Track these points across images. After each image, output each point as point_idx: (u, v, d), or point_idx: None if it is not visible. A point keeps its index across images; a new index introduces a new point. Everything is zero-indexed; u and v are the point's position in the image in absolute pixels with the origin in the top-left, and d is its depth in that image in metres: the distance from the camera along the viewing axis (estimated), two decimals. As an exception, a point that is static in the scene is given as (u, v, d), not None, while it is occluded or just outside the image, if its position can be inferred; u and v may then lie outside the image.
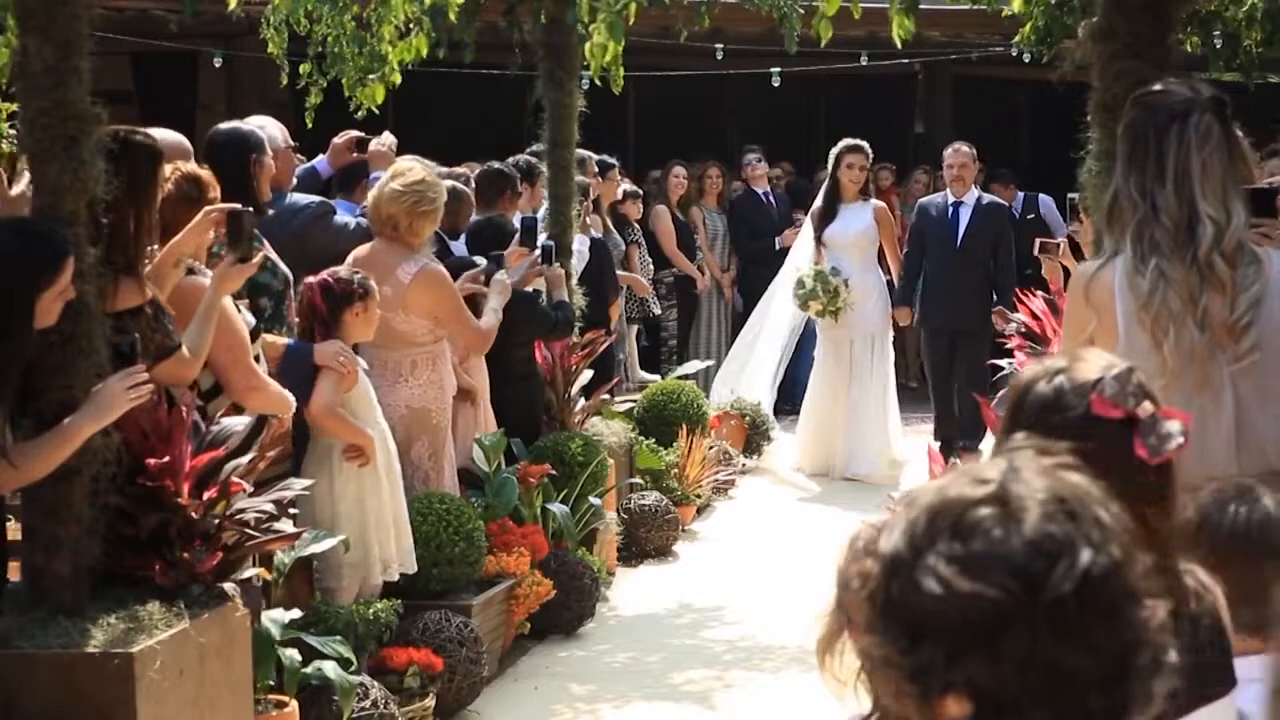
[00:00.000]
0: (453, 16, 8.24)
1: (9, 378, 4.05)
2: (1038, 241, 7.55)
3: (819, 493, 10.61)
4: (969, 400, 10.37)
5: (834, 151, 10.99)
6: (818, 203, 11.12)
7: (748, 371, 11.54)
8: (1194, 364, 3.61)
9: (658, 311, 11.96)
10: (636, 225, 11.79)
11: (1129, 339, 3.63)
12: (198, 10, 7.38)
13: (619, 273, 10.65)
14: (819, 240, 10.93)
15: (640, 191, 12.18)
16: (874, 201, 11.14)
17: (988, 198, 11.32)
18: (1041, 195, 13.35)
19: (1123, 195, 3.69)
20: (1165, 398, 3.05)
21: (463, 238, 7.90)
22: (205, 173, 5.22)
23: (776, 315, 11.51)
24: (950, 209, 10.97)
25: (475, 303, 7.04)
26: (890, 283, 11.22)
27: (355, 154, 7.58)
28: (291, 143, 6.96)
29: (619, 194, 11.41)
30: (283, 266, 5.93)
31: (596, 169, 10.64)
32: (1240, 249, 3.64)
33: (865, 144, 10.98)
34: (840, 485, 10.68)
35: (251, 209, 5.10)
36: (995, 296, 10.70)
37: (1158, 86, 3.78)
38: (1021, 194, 13.92)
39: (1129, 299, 3.64)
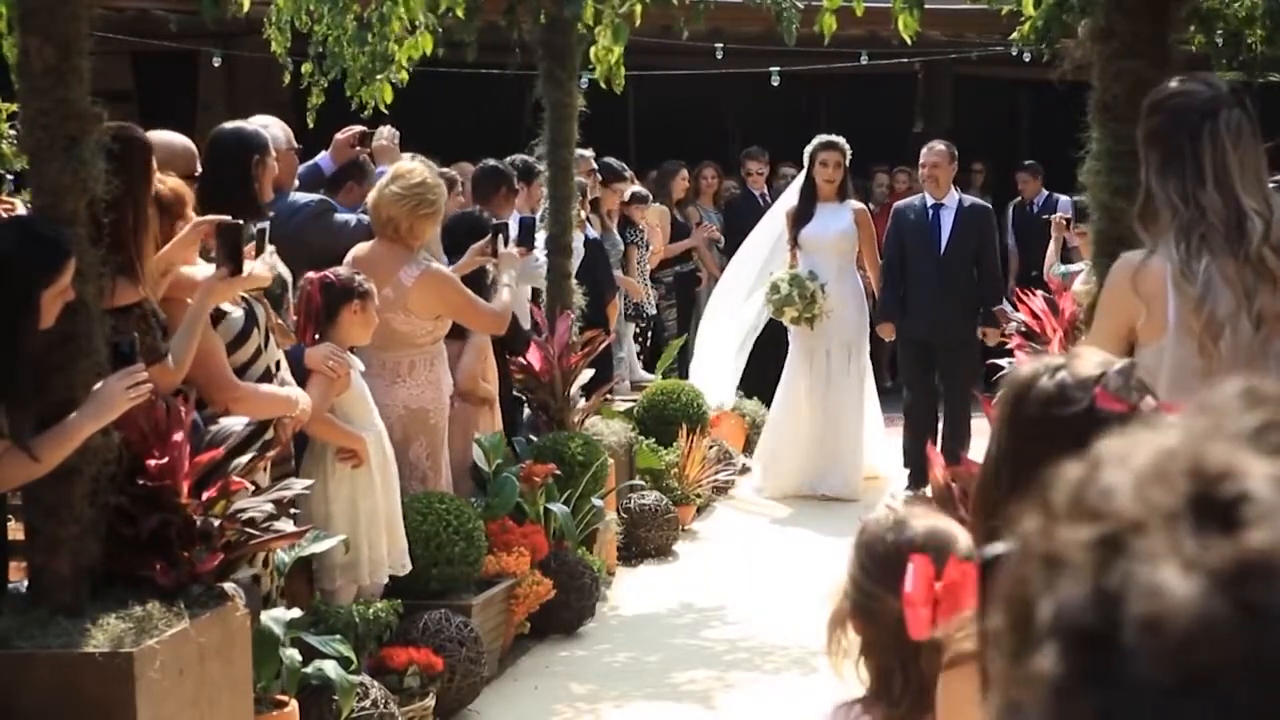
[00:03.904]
0: (460, 13, 8.24)
1: (19, 376, 4.06)
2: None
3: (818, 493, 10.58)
4: (958, 413, 10.04)
5: (808, 149, 10.42)
6: (792, 202, 10.54)
7: (703, 356, 11.23)
8: (1244, 362, 3.59)
9: (652, 312, 11.90)
10: (642, 226, 11.72)
11: (1178, 340, 3.61)
12: (216, 14, 7.38)
13: (615, 273, 10.66)
14: (795, 242, 10.32)
15: (648, 194, 12.09)
16: (852, 202, 10.46)
17: (969, 199, 10.59)
18: (1063, 198, 12.57)
19: (1159, 200, 3.65)
20: None
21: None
22: (175, 184, 5.04)
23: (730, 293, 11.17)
24: (930, 212, 10.19)
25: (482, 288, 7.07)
26: (869, 288, 10.58)
27: (359, 148, 7.58)
28: (295, 144, 6.95)
29: (627, 195, 11.38)
30: (281, 268, 5.91)
31: (595, 167, 10.66)
32: None
33: (841, 140, 10.36)
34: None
35: (243, 222, 5.00)
36: (981, 307, 10.12)
37: (1177, 87, 3.75)
38: (1046, 192, 13.73)
39: (1177, 300, 3.62)
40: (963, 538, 2.41)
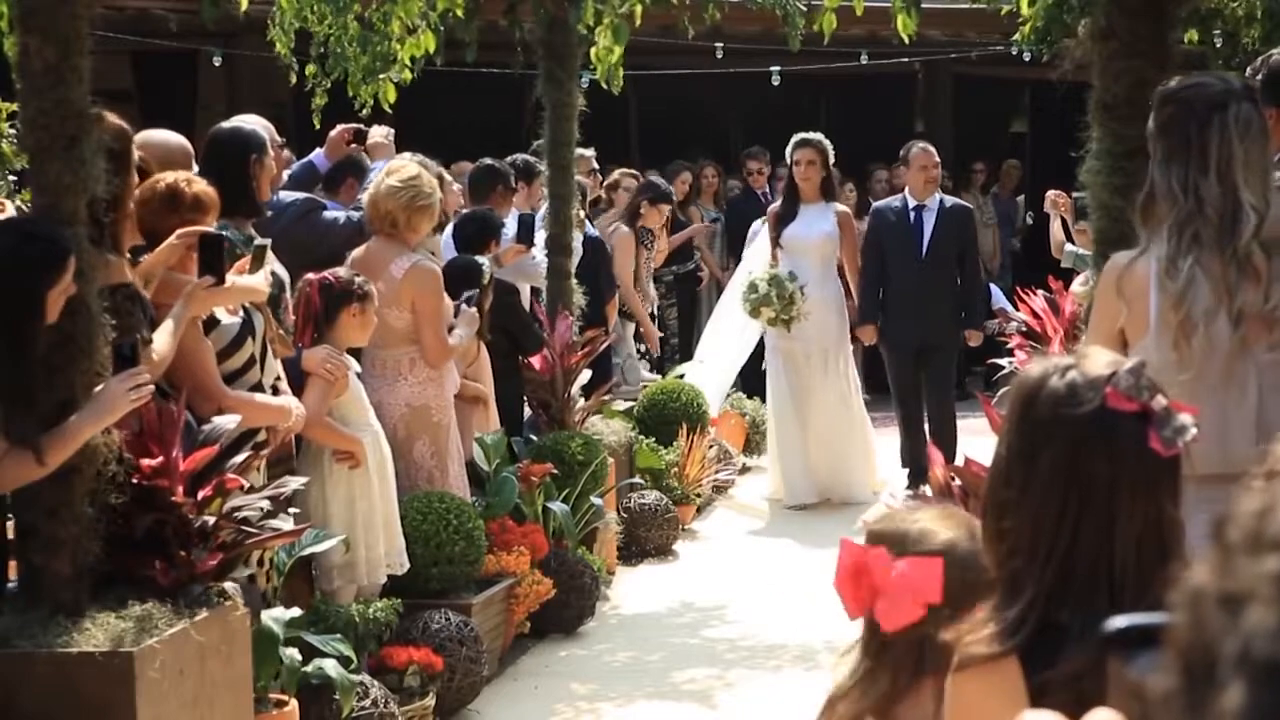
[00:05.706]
0: (459, 13, 8.25)
1: (29, 375, 4.06)
2: None
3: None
4: (943, 413, 9.93)
5: (787, 148, 10.12)
6: (775, 203, 10.35)
7: (703, 359, 11.14)
8: (1220, 359, 3.61)
9: (653, 311, 11.84)
10: (654, 231, 11.63)
11: (1159, 337, 3.62)
12: (216, 14, 7.38)
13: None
14: (776, 243, 10.05)
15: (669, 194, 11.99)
16: (836, 205, 10.20)
17: (950, 200, 10.30)
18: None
19: (1160, 191, 3.67)
20: (1189, 393, 3.06)
21: (449, 229, 7.93)
22: (201, 188, 5.07)
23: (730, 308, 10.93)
24: (911, 214, 9.89)
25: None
26: (848, 291, 10.27)
27: (353, 145, 7.57)
28: (278, 139, 6.93)
29: (666, 213, 11.33)
30: (279, 270, 5.89)
31: (595, 167, 10.66)
32: (1278, 239, 3.64)
33: (817, 138, 10.03)
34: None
35: (224, 235, 4.99)
36: (963, 309, 9.96)
37: (1189, 80, 3.77)
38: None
39: (1160, 298, 3.64)
40: (940, 538, 2.39)
